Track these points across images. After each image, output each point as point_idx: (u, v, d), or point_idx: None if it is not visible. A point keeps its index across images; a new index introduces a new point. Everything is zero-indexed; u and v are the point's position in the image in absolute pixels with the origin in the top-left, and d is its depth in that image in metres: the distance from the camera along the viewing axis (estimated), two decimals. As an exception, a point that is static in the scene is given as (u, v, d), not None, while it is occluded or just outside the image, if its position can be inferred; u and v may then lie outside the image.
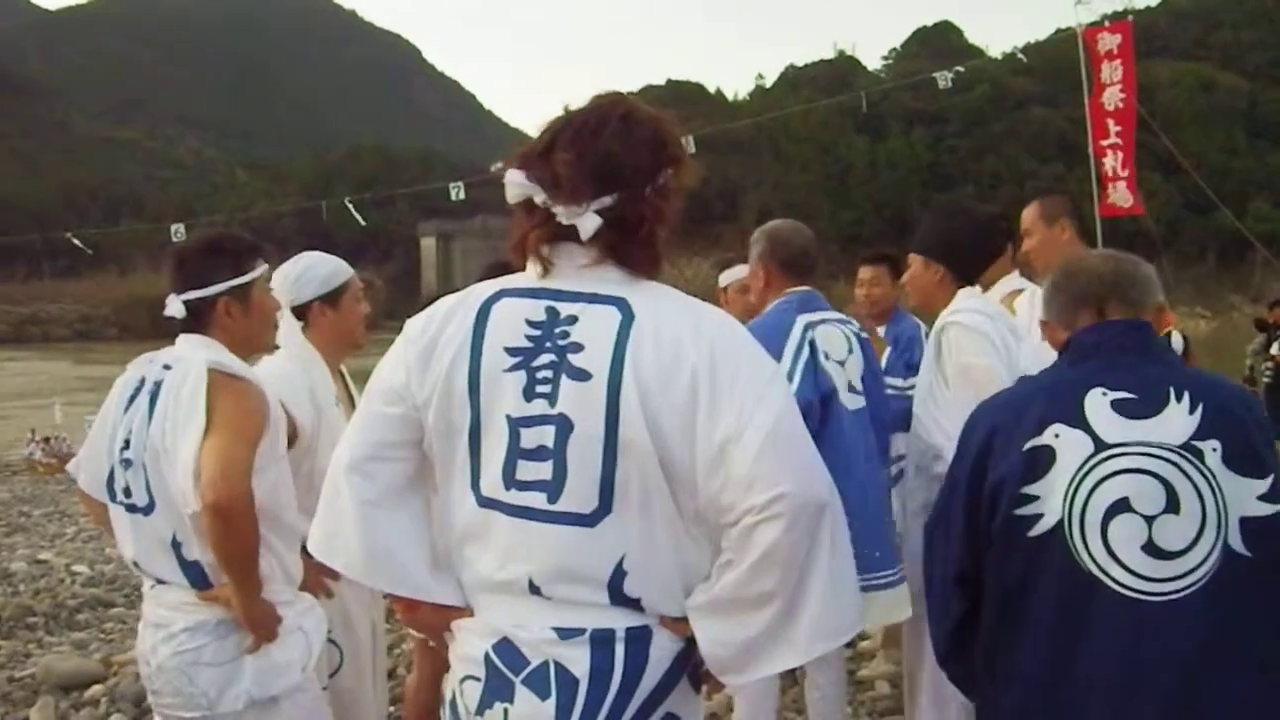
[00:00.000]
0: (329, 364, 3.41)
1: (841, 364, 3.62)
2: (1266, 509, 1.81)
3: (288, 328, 3.30)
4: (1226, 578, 1.78)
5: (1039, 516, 1.83)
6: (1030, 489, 1.83)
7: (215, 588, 2.71)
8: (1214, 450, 1.82)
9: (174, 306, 2.81)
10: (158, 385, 2.74)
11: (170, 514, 2.69)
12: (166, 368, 2.78)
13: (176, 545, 2.71)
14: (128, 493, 2.75)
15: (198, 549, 2.68)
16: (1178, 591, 1.79)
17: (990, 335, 3.41)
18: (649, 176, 1.84)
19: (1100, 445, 1.83)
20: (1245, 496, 1.81)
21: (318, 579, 3.12)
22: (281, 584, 2.78)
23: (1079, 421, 1.84)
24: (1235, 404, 1.90)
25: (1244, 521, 1.80)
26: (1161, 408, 1.85)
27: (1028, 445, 1.84)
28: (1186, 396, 1.86)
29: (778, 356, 3.46)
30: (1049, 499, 1.82)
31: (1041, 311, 2.21)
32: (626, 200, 1.81)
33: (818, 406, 3.46)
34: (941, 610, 2.05)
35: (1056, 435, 1.84)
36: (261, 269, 2.92)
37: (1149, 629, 1.79)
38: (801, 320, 3.62)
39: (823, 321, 3.65)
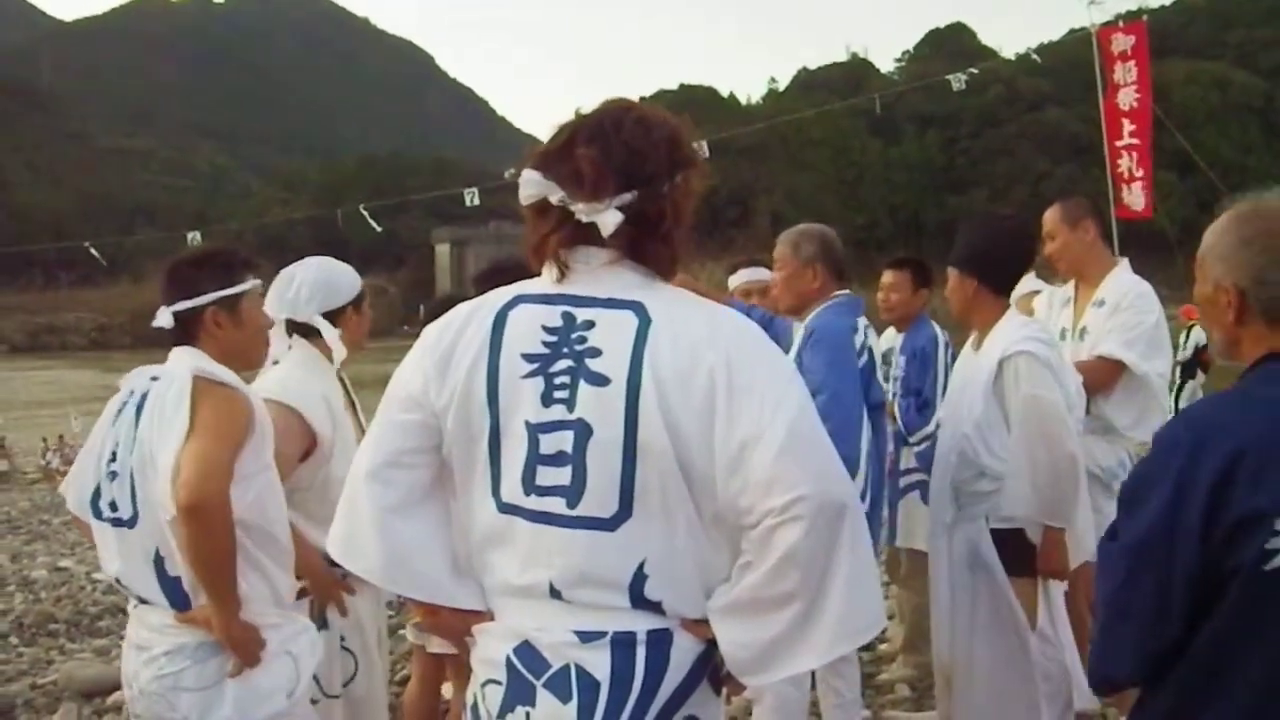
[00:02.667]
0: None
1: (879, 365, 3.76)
2: None
3: (296, 338, 3.27)
4: None
5: (1278, 552, 1.78)
6: None
7: (195, 609, 2.63)
8: None
9: (163, 318, 2.79)
10: (144, 396, 2.70)
11: (153, 526, 2.62)
12: (154, 379, 2.74)
13: (159, 560, 2.64)
14: (114, 506, 2.69)
15: (179, 563, 2.61)
16: None
17: (1054, 367, 3.47)
18: (667, 174, 1.85)
19: None
20: None
21: (335, 592, 3.13)
22: (268, 605, 2.69)
23: None
24: None
25: None
26: None
27: None
28: None
29: (849, 359, 3.61)
30: None
31: (1230, 274, 1.97)
32: (646, 197, 1.82)
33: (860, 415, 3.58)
34: (1151, 640, 1.92)
35: None
36: (252, 283, 2.87)
37: None
38: (860, 324, 3.74)
39: (868, 325, 3.78)
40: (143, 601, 2.73)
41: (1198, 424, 1.90)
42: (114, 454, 2.70)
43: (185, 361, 2.71)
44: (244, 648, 2.62)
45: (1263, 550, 1.76)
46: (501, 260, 3.92)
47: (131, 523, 2.67)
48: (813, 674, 3.90)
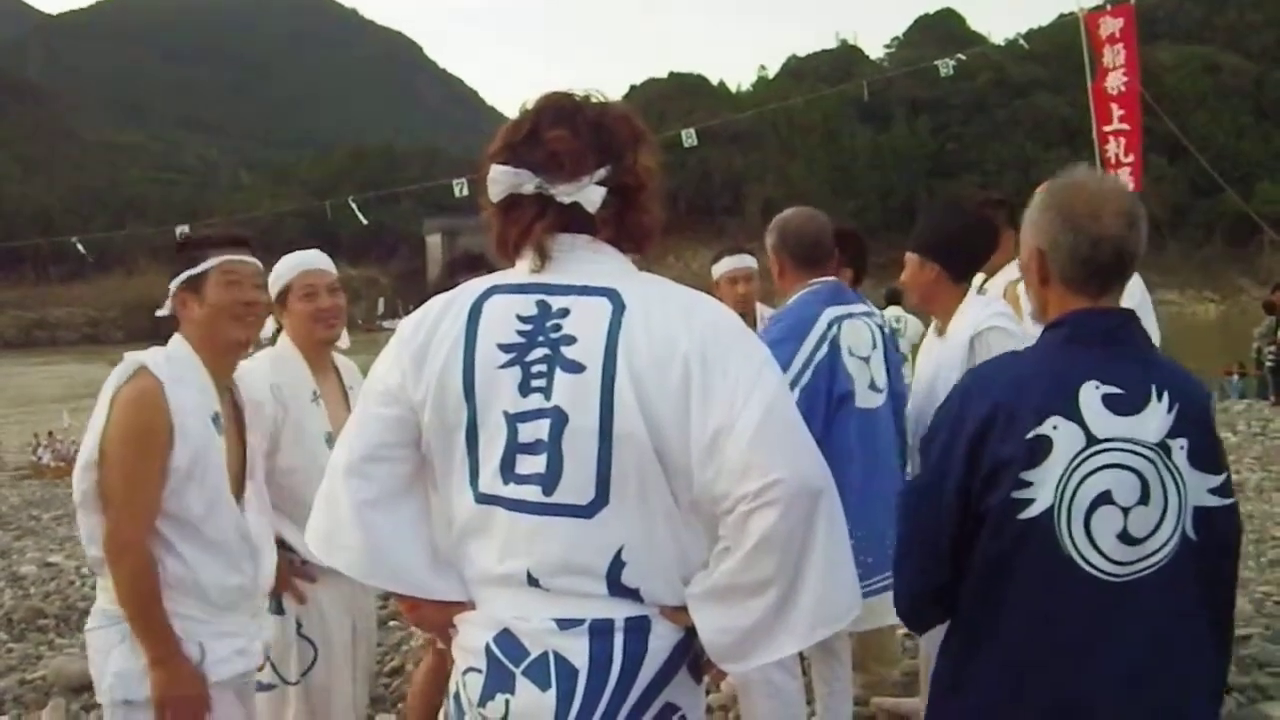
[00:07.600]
0: (310, 358, 3.42)
1: (865, 360, 3.57)
2: (1216, 501, 1.97)
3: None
4: (1180, 560, 1.94)
5: (1031, 501, 1.91)
6: (1028, 475, 1.91)
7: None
8: (1181, 448, 1.94)
9: (165, 306, 2.83)
10: None
11: None
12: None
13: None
14: None
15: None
16: (1138, 572, 1.93)
17: (1022, 341, 3.46)
18: (631, 145, 1.87)
19: (1090, 440, 1.91)
20: (1201, 489, 1.96)
21: (288, 581, 3.17)
22: (194, 601, 2.66)
23: (1074, 414, 1.92)
24: (1202, 404, 2.02)
25: (1196, 510, 1.96)
26: (1144, 406, 1.94)
27: (1030, 434, 1.91)
28: (1166, 396, 1.95)
29: (798, 349, 3.46)
30: (1043, 486, 1.91)
31: (1034, 238, 2.09)
32: (619, 169, 1.84)
33: (824, 409, 3.44)
34: (923, 576, 2.09)
35: (1055, 427, 1.91)
36: (214, 260, 2.78)
37: (1115, 607, 1.92)
38: (828, 314, 3.55)
39: (849, 315, 3.59)
40: None
41: (970, 383, 2.09)
42: None
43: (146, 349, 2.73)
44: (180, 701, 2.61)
45: (1010, 498, 1.92)
46: (467, 254, 3.92)
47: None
48: (802, 658, 3.89)
